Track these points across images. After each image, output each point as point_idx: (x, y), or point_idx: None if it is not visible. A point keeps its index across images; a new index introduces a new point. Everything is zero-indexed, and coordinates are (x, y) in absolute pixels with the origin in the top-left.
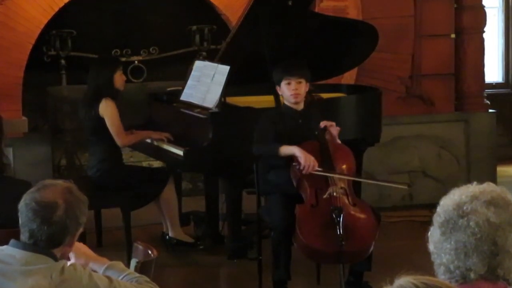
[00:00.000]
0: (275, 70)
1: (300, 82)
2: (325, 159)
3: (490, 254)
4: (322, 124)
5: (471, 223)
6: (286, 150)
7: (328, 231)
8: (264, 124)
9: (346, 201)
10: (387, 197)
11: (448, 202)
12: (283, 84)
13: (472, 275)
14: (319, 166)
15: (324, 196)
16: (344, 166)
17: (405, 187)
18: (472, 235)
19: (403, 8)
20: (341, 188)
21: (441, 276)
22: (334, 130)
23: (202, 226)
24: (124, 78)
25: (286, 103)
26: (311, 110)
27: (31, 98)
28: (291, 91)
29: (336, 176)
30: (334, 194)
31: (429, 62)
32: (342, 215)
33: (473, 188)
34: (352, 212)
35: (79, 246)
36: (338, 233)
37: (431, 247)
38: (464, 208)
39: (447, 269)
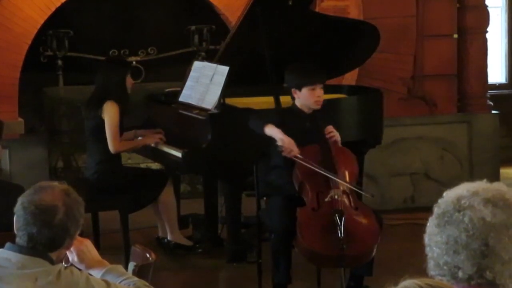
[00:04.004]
0: (292, 73)
1: (322, 88)
2: (327, 161)
3: (479, 254)
4: (328, 135)
5: (465, 219)
6: (270, 130)
7: (329, 234)
8: (271, 111)
9: (348, 204)
10: (389, 200)
11: (450, 194)
12: (306, 89)
13: (460, 274)
14: (320, 168)
15: (326, 199)
16: (346, 170)
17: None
18: (464, 231)
19: (405, 7)
20: (343, 191)
21: (431, 271)
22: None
23: (201, 229)
24: (132, 81)
25: (297, 105)
26: (317, 112)
27: (27, 99)
28: (316, 98)
29: (312, 167)
30: (336, 197)
31: (431, 63)
32: (343, 218)
33: (479, 184)
34: (354, 216)
35: (85, 249)
36: (340, 236)
37: (426, 238)
38: (462, 202)
39: (436, 263)
